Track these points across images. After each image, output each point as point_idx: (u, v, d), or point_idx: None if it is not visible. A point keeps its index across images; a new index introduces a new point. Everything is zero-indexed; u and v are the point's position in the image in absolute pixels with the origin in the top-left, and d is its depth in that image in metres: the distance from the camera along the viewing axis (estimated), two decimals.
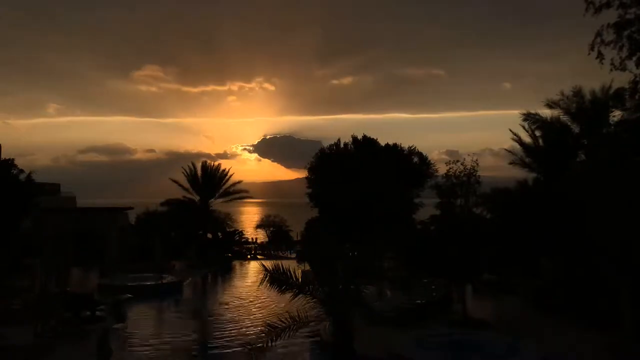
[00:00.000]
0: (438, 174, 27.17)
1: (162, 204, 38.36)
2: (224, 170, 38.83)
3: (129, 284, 23.38)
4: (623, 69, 11.71)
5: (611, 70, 11.70)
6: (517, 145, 23.88)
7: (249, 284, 27.46)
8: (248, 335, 15.93)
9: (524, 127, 23.26)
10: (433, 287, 21.92)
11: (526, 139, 23.51)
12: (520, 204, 20.23)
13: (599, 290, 16.92)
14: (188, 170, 38.39)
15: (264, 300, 21.85)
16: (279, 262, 12.15)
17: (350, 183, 28.12)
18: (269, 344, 10.37)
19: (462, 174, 19.61)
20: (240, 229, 44.69)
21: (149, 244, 33.27)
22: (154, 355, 14.43)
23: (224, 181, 38.69)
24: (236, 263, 35.86)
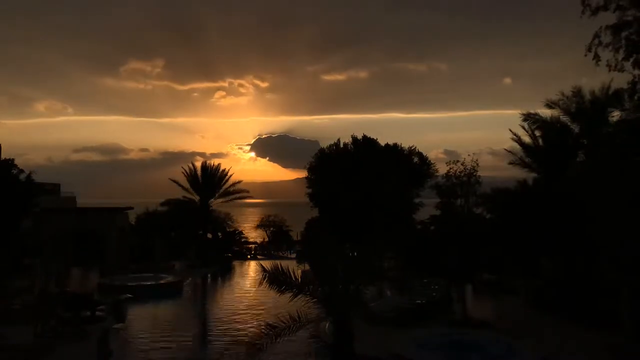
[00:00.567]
0: (438, 174, 27.17)
1: (162, 204, 38.37)
2: (224, 170, 38.88)
3: (129, 284, 23.38)
4: (620, 70, 11.74)
5: (609, 71, 11.73)
6: (516, 145, 23.90)
7: (248, 286, 27.43)
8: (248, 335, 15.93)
9: (523, 127, 23.28)
10: (433, 287, 21.94)
11: (526, 139, 23.52)
12: (520, 204, 20.22)
13: (599, 290, 16.93)
14: (188, 170, 38.41)
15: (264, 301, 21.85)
16: (278, 262, 12.15)
17: (350, 183, 28.11)
18: (269, 344, 10.39)
19: (462, 174, 19.64)
20: (240, 229, 44.71)
21: (149, 244, 33.36)
22: (154, 355, 14.43)
23: (223, 181, 38.70)
24: (236, 263, 35.88)
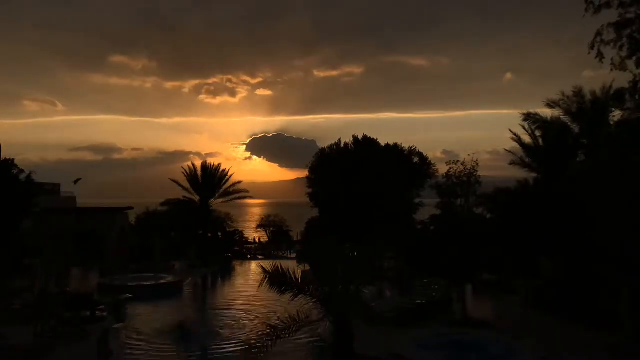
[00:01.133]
0: (438, 174, 27.17)
1: (162, 204, 38.36)
2: (224, 170, 38.87)
3: (129, 284, 23.37)
4: (623, 68, 11.70)
5: (611, 70, 11.69)
6: (516, 145, 23.90)
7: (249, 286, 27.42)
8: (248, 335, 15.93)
9: (523, 127, 23.28)
10: (433, 287, 21.94)
11: (526, 138, 23.52)
12: (520, 204, 20.23)
13: (599, 290, 16.92)
14: (188, 170, 38.41)
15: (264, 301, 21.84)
16: (278, 262, 12.15)
17: (351, 183, 28.11)
18: (269, 344, 10.39)
19: (462, 174, 19.66)
20: (240, 229, 44.73)
21: (149, 244, 33.36)
22: (154, 356, 14.42)
23: (224, 181, 38.70)
24: (236, 263, 35.88)
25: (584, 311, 16.65)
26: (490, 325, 16.45)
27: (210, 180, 38.25)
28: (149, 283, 24.94)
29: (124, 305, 19.17)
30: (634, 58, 11.55)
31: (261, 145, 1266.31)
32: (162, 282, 25.49)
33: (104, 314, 18.30)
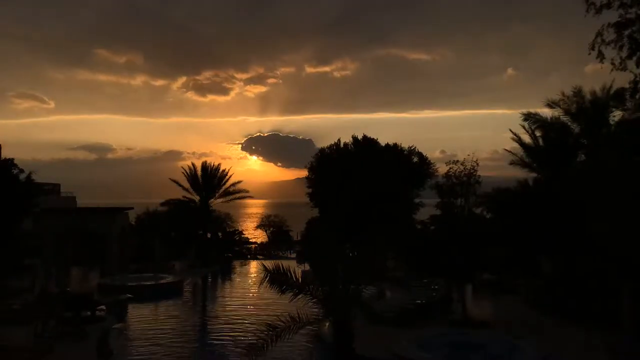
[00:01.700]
0: (438, 174, 27.18)
1: (162, 204, 38.37)
2: (224, 170, 38.88)
3: (129, 284, 23.39)
4: (623, 68, 11.71)
5: (612, 70, 11.71)
6: (516, 145, 23.89)
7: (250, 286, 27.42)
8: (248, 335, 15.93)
9: (524, 127, 23.28)
10: (433, 287, 21.96)
11: (526, 138, 23.52)
12: (520, 203, 20.23)
13: (599, 290, 16.92)
14: (188, 170, 38.42)
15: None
16: (279, 262, 12.15)
17: (351, 183, 28.13)
18: (269, 344, 10.38)
19: (462, 174, 19.64)
20: (240, 229, 44.74)
21: (149, 244, 33.36)
22: (154, 355, 14.43)
23: (224, 181, 38.71)
24: (236, 263, 35.90)
25: (584, 311, 16.65)
26: (490, 325, 16.45)
27: (210, 180, 38.27)
28: (149, 283, 24.95)
29: (124, 305, 19.17)
30: (634, 58, 11.56)
31: (256, 145, 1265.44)
32: (162, 282, 25.51)
33: (104, 314, 18.31)
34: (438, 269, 18.17)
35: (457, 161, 19.79)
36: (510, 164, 24.04)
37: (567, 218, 17.70)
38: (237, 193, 38.90)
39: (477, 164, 19.70)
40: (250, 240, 46.76)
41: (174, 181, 38.22)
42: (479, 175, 19.71)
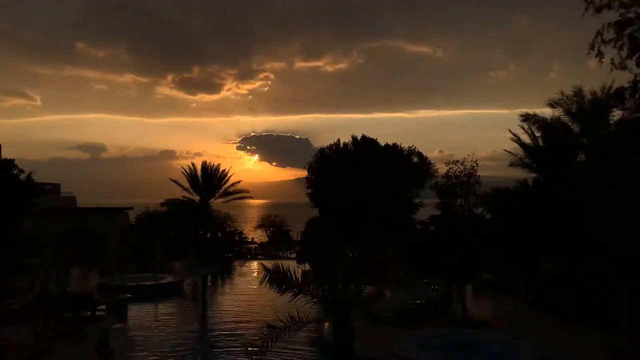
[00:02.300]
0: (438, 174, 27.16)
1: (162, 204, 38.37)
2: (224, 170, 38.87)
3: (129, 284, 23.38)
4: (623, 68, 11.69)
5: (612, 69, 11.68)
6: (516, 145, 23.87)
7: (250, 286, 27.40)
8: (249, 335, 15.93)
9: (523, 128, 23.27)
10: (433, 287, 21.94)
11: (525, 139, 23.50)
12: (520, 204, 20.23)
13: (599, 290, 16.92)
14: (188, 170, 38.41)
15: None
16: (279, 262, 12.14)
17: (350, 183, 28.12)
18: (269, 344, 10.38)
19: (462, 174, 19.64)
20: (240, 229, 44.70)
21: (149, 244, 33.34)
22: (154, 356, 14.43)
23: (224, 181, 38.70)
24: (236, 263, 35.88)
25: (584, 311, 16.65)
26: (490, 325, 16.45)
27: (210, 180, 38.26)
28: (149, 283, 24.94)
29: (124, 305, 19.16)
30: (634, 58, 11.54)
31: (252, 144, 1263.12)
32: (162, 282, 25.50)
33: (104, 314, 18.30)
34: (438, 269, 18.16)
35: (457, 161, 19.80)
36: (510, 165, 24.02)
37: (567, 218, 17.69)
38: (237, 193, 38.93)
39: (477, 164, 19.72)
40: (249, 240, 46.69)
41: (174, 181, 38.24)
42: (479, 176, 19.72)
